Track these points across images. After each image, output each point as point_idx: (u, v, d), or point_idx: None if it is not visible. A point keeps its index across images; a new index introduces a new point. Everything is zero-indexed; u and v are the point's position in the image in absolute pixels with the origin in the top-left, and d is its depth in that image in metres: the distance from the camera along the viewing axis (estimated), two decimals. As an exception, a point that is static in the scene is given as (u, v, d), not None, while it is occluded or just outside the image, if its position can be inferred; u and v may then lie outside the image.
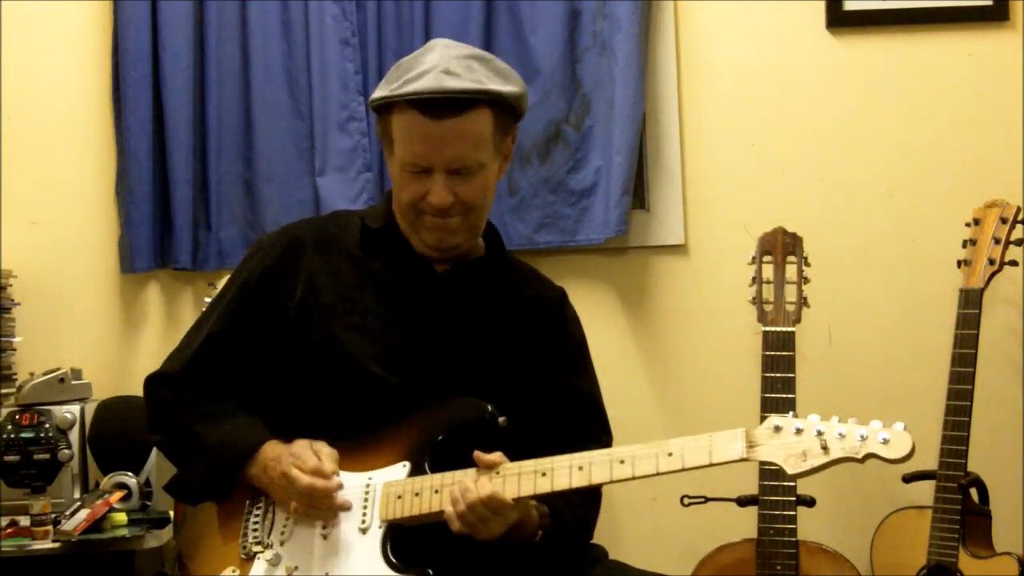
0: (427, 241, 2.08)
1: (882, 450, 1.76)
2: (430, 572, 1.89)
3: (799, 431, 1.80)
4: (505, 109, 2.05)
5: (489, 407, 1.98)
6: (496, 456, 1.93)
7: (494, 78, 2.03)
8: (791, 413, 1.83)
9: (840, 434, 1.77)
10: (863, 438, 1.76)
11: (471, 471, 1.93)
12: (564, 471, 1.88)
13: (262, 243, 2.22)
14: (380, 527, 1.95)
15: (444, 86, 1.98)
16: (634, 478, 1.86)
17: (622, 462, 1.86)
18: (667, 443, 1.85)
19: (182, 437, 2.11)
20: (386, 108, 2.04)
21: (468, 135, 2.01)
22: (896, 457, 1.76)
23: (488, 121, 2.03)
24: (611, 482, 1.88)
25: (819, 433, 1.78)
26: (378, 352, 2.06)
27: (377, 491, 1.97)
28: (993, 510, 2.72)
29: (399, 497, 1.95)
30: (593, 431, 2.15)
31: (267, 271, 2.13)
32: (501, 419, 1.97)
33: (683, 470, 1.83)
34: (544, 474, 1.89)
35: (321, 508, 1.98)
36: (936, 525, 2.65)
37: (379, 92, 2.05)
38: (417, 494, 1.94)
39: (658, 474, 1.84)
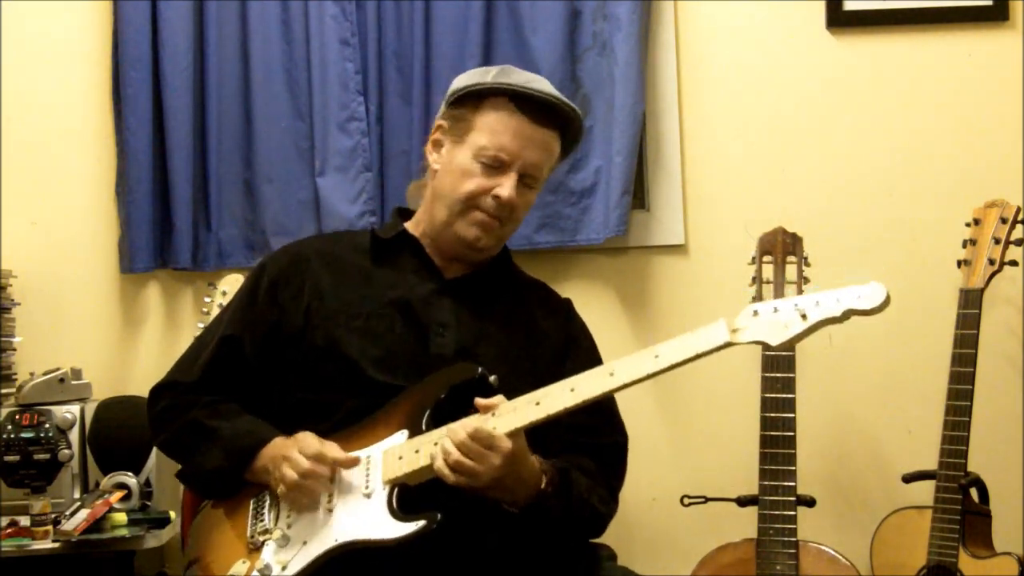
0: (465, 235, 2.13)
1: (858, 303, 1.78)
2: (439, 516, 1.88)
3: (777, 310, 1.83)
4: (566, 146, 2.20)
5: (479, 368, 1.99)
6: (496, 399, 1.94)
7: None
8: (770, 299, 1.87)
9: (816, 302, 1.80)
10: (838, 300, 1.79)
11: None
12: (557, 394, 1.90)
13: (267, 259, 2.26)
14: (384, 488, 1.95)
15: (556, 95, 2.13)
16: (626, 386, 1.88)
17: (612, 374, 1.88)
18: (652, 348, 1.86)
19: (191, 429, 2.11)
20: (476, 96, 2.13)
21: (548, 148, 2.16)
22: (873, 307, 1.78)
23: (558, 147, 2.18)
24: (605, 394, 1.89)
25: (796, 306, 1.81)
26: (380, 355, 2.07)
27: (378, 459, 1.98)
28: (993, 510, 2.72)
29: (400, 457, 1.96)
30: (604, 427, 2.17)
31: (274, 282, 2.17)
32: (492, 377, 1.99)
33: (672, 367, 1.84)
34: (538, 403, 1.90)
35: (312, 490, 1.97)
36: (936, 525, 2.65)
37: (478, 79, 2.14)
38: (417, 451, 1.95)
39: (649, 376, 1.85)
